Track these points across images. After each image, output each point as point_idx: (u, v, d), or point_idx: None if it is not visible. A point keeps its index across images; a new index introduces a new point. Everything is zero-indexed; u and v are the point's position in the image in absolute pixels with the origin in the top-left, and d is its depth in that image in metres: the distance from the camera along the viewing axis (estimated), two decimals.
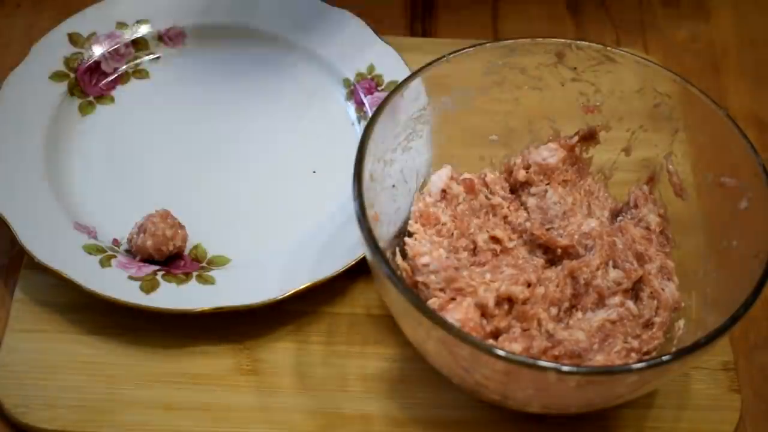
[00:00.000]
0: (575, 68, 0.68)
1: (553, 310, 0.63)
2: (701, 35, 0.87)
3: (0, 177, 0.70)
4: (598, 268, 0.64)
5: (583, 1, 0.88)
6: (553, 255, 0.66)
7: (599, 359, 0.60)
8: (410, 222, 0.66)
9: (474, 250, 0.66)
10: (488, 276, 0.62)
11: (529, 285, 0.63)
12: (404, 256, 0.65)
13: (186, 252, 0.69)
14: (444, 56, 0.66)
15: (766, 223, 0.60)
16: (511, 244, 0.66)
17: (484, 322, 0.61)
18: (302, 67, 0.79)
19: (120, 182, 0.73)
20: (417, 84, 0.66)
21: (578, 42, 0.68)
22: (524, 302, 0.62)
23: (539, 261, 0.65)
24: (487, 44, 0.67)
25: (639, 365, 0.56)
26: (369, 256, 0.59)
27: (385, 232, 0.64)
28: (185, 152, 0.75)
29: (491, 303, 0.61)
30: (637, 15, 0.88)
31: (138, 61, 0.78)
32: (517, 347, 0.60)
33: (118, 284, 0.66)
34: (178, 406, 0.64)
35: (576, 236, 0.66)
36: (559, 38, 0.68)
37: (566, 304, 0.63)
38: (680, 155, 0.68)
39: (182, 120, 0.77)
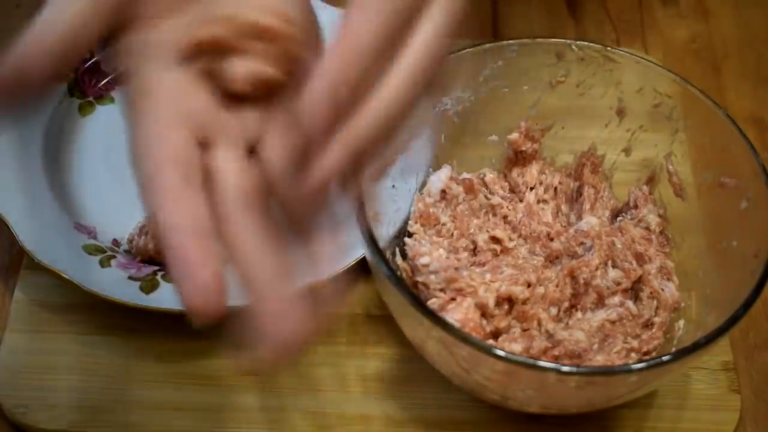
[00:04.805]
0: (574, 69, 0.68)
1: (553, 310, 0.63)
2: (701, 35, 0.87)
3: (0, 177, 0.70)
4: (597, 268, 0.64)
5: (583, 1, 0.88)
6: (550, 250, 0.66)
7: (599, 359, 0.60)
8: (410, 222, 0.66)
9: (474, 251, 0.66)
10: (488, 276, 0.62)
11: (529, 285, 0.63)
12: (404, 256, 0.65)
13: None
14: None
15: (766, 223, 0.60)
16: (511, 244, 0.66)
17: (484, 322, 0.61)
18: None
19: (120, 182, 0.73)
20: None
21: (578, 42, 0.68)
22: (524, 302, 0.62)
23: (539, 261, 0.65)
24: (487, 44, 0.67)
25: (639, 365, 0.56)
26: (369, 256, 0.59)
27: (385, 232, 0.64)
28: None
29: (491, 303, 0.61)
30: (637, 15, 0.88)
31: None
32: (517, 347, 0.60)
33: (118, 284, 0.66)
34: (178, 406, 0.64)
35: (572, 232, 0.66)
36: (559, 38, 0.68)
37: (566, 304, 0.63)
38: (680, 155, 0.68)
39: None
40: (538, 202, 0.69)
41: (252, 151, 0.47)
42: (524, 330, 0.62)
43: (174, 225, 0.44)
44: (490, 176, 0.69)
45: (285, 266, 0.45)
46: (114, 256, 0.68)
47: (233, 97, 0.47)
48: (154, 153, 0.44)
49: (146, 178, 0.44)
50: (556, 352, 0.60)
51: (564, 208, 0.70)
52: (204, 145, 0.46)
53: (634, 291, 0.64)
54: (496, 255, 0.65)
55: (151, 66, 0.45)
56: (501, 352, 0.55)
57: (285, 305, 0.45)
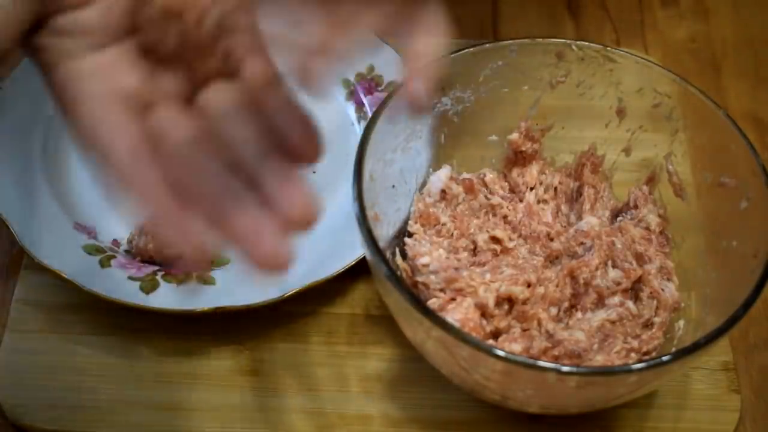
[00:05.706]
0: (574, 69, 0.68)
1: (553, 310, 0.63)
2: (701, 35, 0.87)
3: (0, 177, 0.70)
4: (597, 268, 0.64)
5: (583, 1, 0.88)
6: (550, 250, 0.66)
7: (599, 359, 0.60)
8: (410, 222, 0.66)
9: (474, 251, 0.66)
10: (488, 276, 0.62)
11: (529, 285, 0.63)
12: (404, 256, 0.65)
13: None
14: (444, 56, 0.66)
15: (766, 223, 0.60)
16: (511, 244, 0.66)
17: (484, 322, 0.61)
18: None
19: None
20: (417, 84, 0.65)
21: (578, 42, 0.68)
22: (524, 302, 0.62)
23: (539, 261, 0.65)
24: (487, 44, 0.67)
25: (639, 365, 0.56)
26: (369, 256, 0.59)
27: (385, 232, 0.64)
28: None
29: (491, 303, 0.61)
30: (636, 15, 0.88)
31: None
32: (517, 347, 0.60)
33: (118, 284, 0.66)
34: (178, 406, 0.64)
35: (572, 232, 0.66)
36: (559, 38, 0.68)
37: (566, 304, 0.63)
38: (680, 155, 0.68)
39: None
40: (538, 202, 0.69)
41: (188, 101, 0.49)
42: (524, 330, 0.62)
43: (139, 187, 0.45)
44: (490, 176, 0.69)
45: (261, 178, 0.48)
46: (114, 256, 0.68)
47: (162, 59, 0.48)
48: (103, 135, 0.45)
49: (99, 157, 0.46)
50: (556, 352, 0.60)
51: (564, 208, 0.70)
52: (144, 108, 0.47)
53: (634, 291, 0.64)
54: (496, 255, 0.65)
55: (82, 48, 0.46)
56: (501, 352, 0.55)
57: (256, 224, 0.46)
